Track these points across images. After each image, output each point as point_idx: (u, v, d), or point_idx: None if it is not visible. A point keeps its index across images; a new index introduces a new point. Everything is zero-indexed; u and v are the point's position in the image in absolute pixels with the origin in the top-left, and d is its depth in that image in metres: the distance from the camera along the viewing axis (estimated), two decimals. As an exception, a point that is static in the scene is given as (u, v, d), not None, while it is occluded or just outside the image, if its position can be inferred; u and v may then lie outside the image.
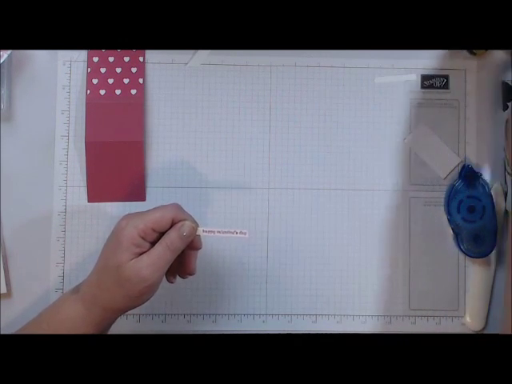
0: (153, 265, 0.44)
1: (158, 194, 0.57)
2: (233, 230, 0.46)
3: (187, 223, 0.45)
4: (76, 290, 0.46)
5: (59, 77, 0.57)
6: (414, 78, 0.59)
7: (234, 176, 0.57)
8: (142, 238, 0.44)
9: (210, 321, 0.56)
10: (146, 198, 0.57)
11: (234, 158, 0.57)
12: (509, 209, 0.57)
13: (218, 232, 0.46)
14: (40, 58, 0.57)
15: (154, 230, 0.44)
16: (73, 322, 0.45)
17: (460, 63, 0.59)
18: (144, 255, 0.44)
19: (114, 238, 0.44)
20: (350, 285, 0.57)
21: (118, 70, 0.57)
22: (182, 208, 0.47)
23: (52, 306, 0.47)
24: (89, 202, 0.56)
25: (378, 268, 0.57)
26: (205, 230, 0.46)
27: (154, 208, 0.46)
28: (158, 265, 0.44)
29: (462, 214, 0.56)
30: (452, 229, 0.57)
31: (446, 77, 0.59)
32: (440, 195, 0.58)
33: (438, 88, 0.59)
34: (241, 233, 0.46)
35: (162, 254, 0.44)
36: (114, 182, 0.56)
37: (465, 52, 0.59)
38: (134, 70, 0.57)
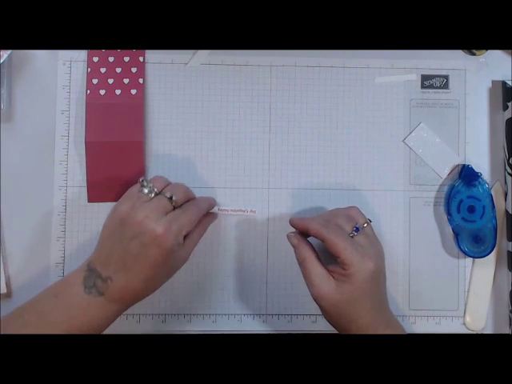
0: (193, 246, 0.50)
1: (158, 194, 0.57)
2: (244, 209, 0.55)
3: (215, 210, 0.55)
4: (96, 290, 0.45)
5: (59, 77, 0.57)
6: (414, 78, 0.59)
7: (234, 176, 0.57)
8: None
9: (210, 321, 0.56)
10: (146, 197, 0.57)
11: (234, 158, 0.57)
12: (509, 209, 0.57)
13: (232, 211, 0.55)
14: (40, 57, 0.57)
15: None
16: (99, 323, 0.46)
17: (460, 63, 0.59)
18: (190, 241, 0.49)
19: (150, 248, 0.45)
20: (350, 285, 0.57)
21: (118, 70, 0.57)
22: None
23: (68, 308, 0.45)
24: (89, 201, 0.56)
25: (378, 268, 0.57)
26: (220, 208, 0.55)
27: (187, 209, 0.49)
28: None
29: (462, 214, 0.56)
30: (452, 229, 0.57)
31: (446, 77, 0.59)
32: (440, 195, 0.58)
33: (438, 88, 0.59)
34: (251, 211, 0.55)
35: (197, 239, 0.51)
36: (114, 182, 0.56)
37: (465, 52, 0.59)
38: (134, 70, 0.57)
